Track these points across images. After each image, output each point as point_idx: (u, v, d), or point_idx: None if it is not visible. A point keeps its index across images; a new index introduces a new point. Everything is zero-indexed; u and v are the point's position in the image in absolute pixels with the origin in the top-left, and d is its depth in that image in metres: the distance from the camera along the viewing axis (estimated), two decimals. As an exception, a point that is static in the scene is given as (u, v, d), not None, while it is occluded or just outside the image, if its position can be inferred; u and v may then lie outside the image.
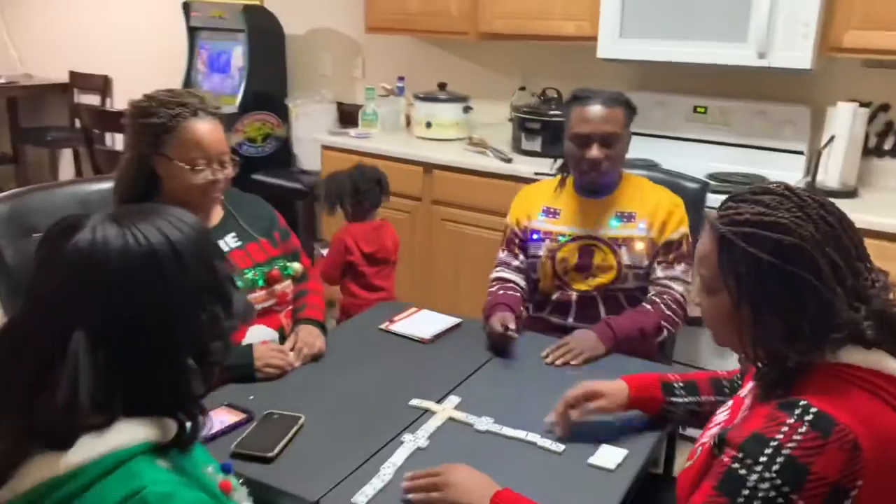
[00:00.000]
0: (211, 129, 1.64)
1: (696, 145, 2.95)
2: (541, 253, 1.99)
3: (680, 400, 1.46)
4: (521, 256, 2.05)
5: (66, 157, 5.42)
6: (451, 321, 1.92)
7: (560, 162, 2.07)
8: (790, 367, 1.02)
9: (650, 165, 2.67)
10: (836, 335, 1.00)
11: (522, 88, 3.35)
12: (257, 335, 1.73)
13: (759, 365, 1.07)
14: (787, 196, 1.04)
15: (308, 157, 3.87)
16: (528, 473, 1.30)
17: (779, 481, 0.94)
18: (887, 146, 2.74)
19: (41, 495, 0.78)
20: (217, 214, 1.78)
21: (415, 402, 1.53)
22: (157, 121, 1.61)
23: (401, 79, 3.71)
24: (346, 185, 2.39)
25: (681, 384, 1.47)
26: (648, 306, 1.90)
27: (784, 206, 1.02)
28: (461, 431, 1.44)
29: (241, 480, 1.05)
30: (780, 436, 0.95)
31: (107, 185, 1.89)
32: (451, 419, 1.47)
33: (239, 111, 3.87)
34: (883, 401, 0.98)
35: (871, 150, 2.75)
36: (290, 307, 1.87)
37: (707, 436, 1.17)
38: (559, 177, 2.05)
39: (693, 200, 2.23)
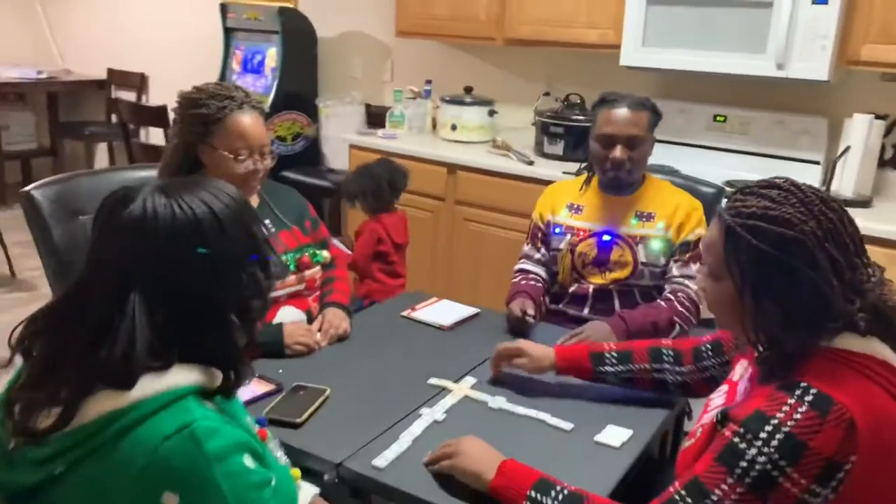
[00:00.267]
0: (254, 122, 1.75)
1: (716, 153, 3.02)
2: (562, 246, 2.08)
3: (611, 368, 1.56)
4: (543, 250, 2.14)
5: (102, 151, 5.59)
6: (470, 310, 2.02)
7: (585, 164, 2.16)
8: (789, 352, 1.08)
9: (670, 171, 2.74)
10: (832, 325, 1.06)
11: (546, 94, 3.44)
12: (287, 316, 1.83)
13: (760, 349, 1.14)
14: (792, 192, 1.10)
15: (336, 156, 3.99)
16: (537, 448, 1.38)
17: (776, 455, 1.00)
18: (903, 158, 2.80)
19: (104, 424, 0.88)
20: (253, 202, 1.89)
21: (433, 380, 1.62)
22: (205, 111, 1.71)
23: (428, 82, 3.82)
24: (384, 177, 2.53)
25: (614, 353, 1.57)
26: (662, 303, 1.97)
27: (789, 201, 1.08)
28: (476, 408, 1.53)
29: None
30: (781, 414, 1.02)
31: (147, 172, 1.99)
32: (466, 397, 1.56)
33: (270, 110, 3.98)
34: (876, 383, 1.04)
35: (887, 162, 2.81)
36: (318, 292, 1.97)
37: (707, 417, 1.24)
38: (585, 175, 2.14)
39: (709, 205, 2.28)
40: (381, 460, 1.32)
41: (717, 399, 1.28)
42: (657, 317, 1.93)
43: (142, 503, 0.87)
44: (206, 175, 1.77)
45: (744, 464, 1.02)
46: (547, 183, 2.81)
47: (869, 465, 1.00)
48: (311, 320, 1.87)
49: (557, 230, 2.10)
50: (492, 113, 3.55)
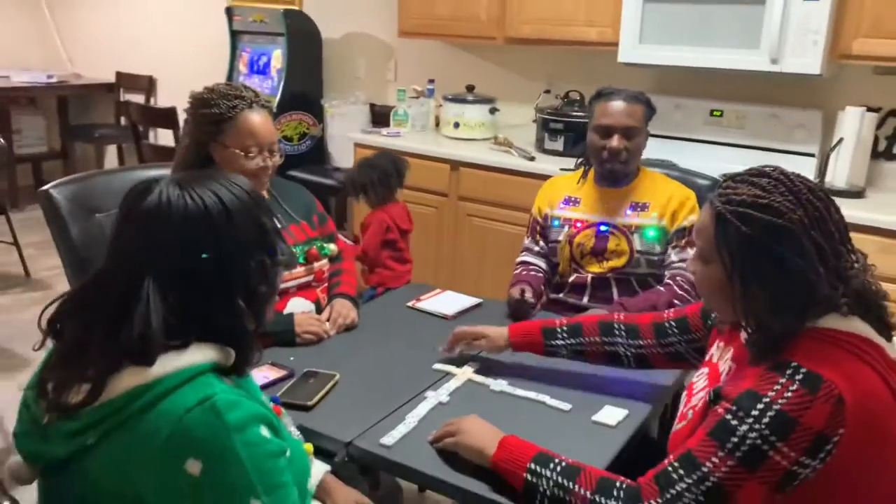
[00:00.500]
0: (263, 121, 1.82)
1: (713, 147, 3.08)
2: (560, 238, 2.16)
3: (562, 342, 1.63)
4: (542, 243, 2.22)
5: (111, 153, 5.69)
6: (472, 301, 2.09)
7: (582, 159, 2.24)
8: (777, 334, 1.13)
9: (669, 165, 2.81)
10: (817, 309, 1.12)
11: (547, 91, 3.50)
12: (297, 306, 1.91)
13: (749, 331, 1.19)
14: (781, 181, 1.14)
15: (341, 155, 4.06)
16: (537, 428, 1.44)
17: (767, 431, 1.06)
18: (896, 150, 2.85)
19: (131, 399, 0.95)
20: (263, 198, 1.96)
21: (437, 366, 1.69)
22: (216, 111, 1.78)
23: (431, 81, 3.89)
24: (388, 165, 2.64)
25: (564, 327, 1.64)
26: (662, 288, 2.05)
27: (778, 189, 1.12)
28: (478, 391, 1.60)
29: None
30: (773, 393, 1.07)
31: (161, 171, 2.06)
32: (469, 381, 1.63)
33: (277, 111, 4.04)
34: (861, 359, 1.10)
35: (881, 153, 2.86)
36: (326, 284, 2.04)
37: (695, 399, 1.29)
38: (582, 169, 2.22)
39: (705, 198, 2.36)
40: (389, 439, 1.39)
41: (699, 382, 1.33)
42: (656, 301, 1.99)
43: (167, 470, 0.94)
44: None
45: (735, 439, 1.08)
46: (548, 178, 2.87)
47: (855, 437, 1.06)
48: (319, 311, 1.94)
49: (556, 223, 2.19)
50: (493, 111, 3.62)
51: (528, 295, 1.95)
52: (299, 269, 1.94)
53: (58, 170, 5.63)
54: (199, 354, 1.01)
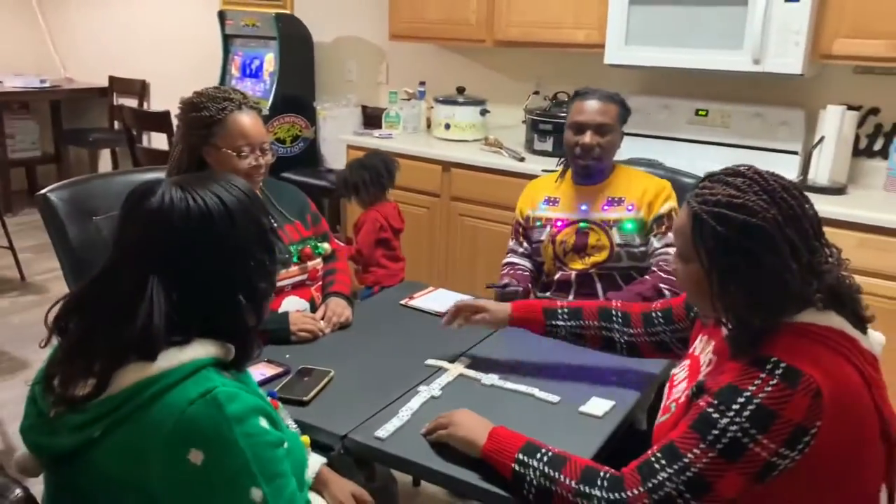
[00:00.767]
0: (253, 121, 1.87)
1: (698, 146, 3.14)
2: (543, 238, 2.22)
3: (562, 323, 1.68)
4: (526, 244, 2.29)
5: (105, 156, 5.71)
6: (464, 298, 2.12)
7: (563, 159, 2.30)
8: (756, 330, 1.17)
9: (656, 165, 2.86)
10: (791, 305, 1.16)
11: (536, 92, 3.55)
12: (292, 305, 1.95)
13: (729, 326, 1.23)
14: (756, 180, 1.17)
15: (334, 157, 4.10)
16: (526, 419, 1.49)
17: (747, 425, 1.10)
18: (877, 147, 2.91)
19: (135, 392, 1.00)
20: (256, 199, 2.01)
21: (430, 361, 1.74)
22: (206, 114, 1.82)
23: (422, 83, 3.94)
24: (379, 164, 2.70)
25: (565, 309, 1.69)
26: (647, 277, 2.11)
27: (752, 189, 1.16)
28: (470, 385, 1.65)
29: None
30: (753, 388, 1.11)
31: (157, 174, 2.10)
32: (461, 375, 1.68)
33: (270, 114, 4.10)
34: (838, 353, 1.14)
35: (862, 151, 2.92)
36: (320, 283, 2.09)
37: (677, 392, 1.33)
38: (560, 169, 2.28)
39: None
40: (383, 432, 1.43)
41: (681, 373, 1.38)
42: (641, 289, 2.06)
43: (171, 459, 0.98)
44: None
45: (716, 431, 1.12)
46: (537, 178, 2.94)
47: (831, 428, 1.10)
48: (314, 309, 1.99)
49: (538, 224, 2.25)
50: (484, 112, 3.67)
51: (513, 282, 2.07)
52: (294, 269, 1.99)
53: (52, 174, 5.65)
54: (201, 350, 1.05)
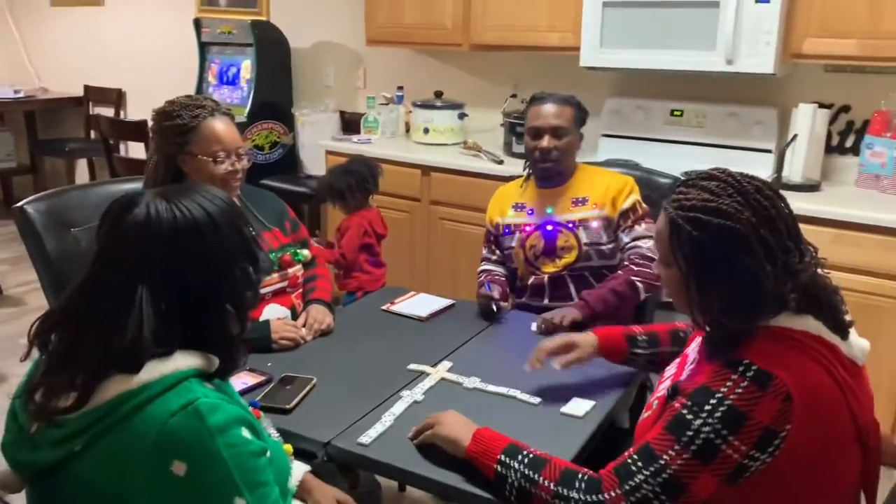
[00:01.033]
0: (227, 126, 1.87)
1: (674, 146, 3.17)
2: (513, 244, 2.25)
3: (642, 351, 1.66)
4: (498, 251, 2.32)
5: (82, 166, 5.66)
6: (445, 302, 2.15)
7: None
8: (732, 332, 1.19)
9: (632, 166, 2.89)
10: (767, 306, 1.17)
11: (513, 95, 3.57)
12: (272, 313, 1.95)
13: (707, 329, 1.26)
14: (730, 182, 1.19)
15: (313, 162, 4.09)
16: (509, 421, 1.49)
17: (719, 426, 1.12)
18: (848, 144, 2.96)
19: (117, 404, 1.00)
20: (234, 206, 2.01)
21: (412, 366, 1.75)
22: (180, 122, 1.83)
23: (400, 88, 3.94)
24: (364, 170, 2.71)
25: (644, 337, 1.67)
26: (620, 272, 2.14)
27: (727, 192, 1.17)
28: (452, 389, 1.66)
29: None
30: (725, 389, 1.13)
31: (134, 185, 2.09)
32: (443, 379, 1.69)
33: (247, 120, 4.09)
34: (811, 358, 1.15)
35: (834, 148, 2.97)
36: (301, 290, 2.09)
37: (661, 388, 1.36)
38: (525, 174, 2.32)
39: (666, 195, 2.42)
40: (366, 438, 1.44)
41: (670, 369, 1.40)
42: (614, 285, 2.08)
43: (154, 471, 0.98)
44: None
45: (690, 433, 1.14)
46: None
47: (801, 433, 1.12)
48: (295, 317, 1.99)
49: (507, 230, 2.28)
50: (462, 116, 3.69)
51: (496, 294, 2.05)
52: (274, 276, 1.99)
53: (28, 185, 5.59)
54: (183, 361, 1.05)
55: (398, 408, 1.56)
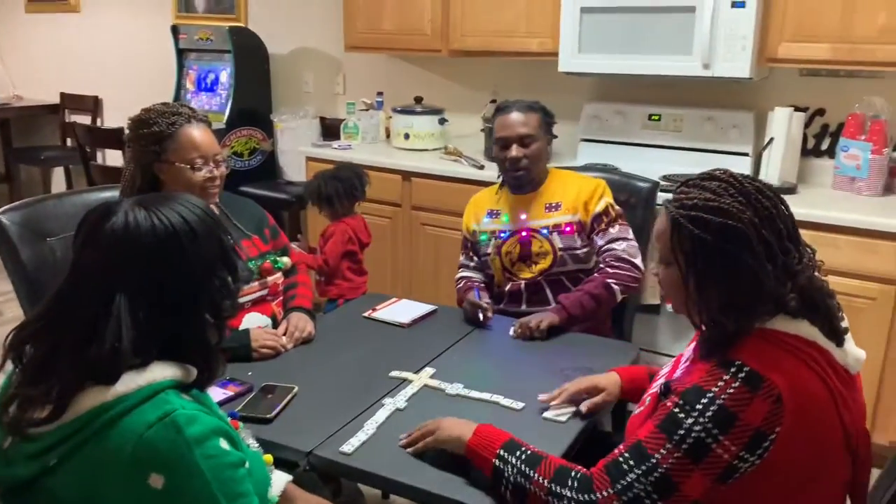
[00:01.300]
0: (204, 133, 1.86)
1: (652, 150, 3.19)
2: (489, 251, 2.26)
3: None
4: (475, 258, 2.32)
5: (58, 175, 5.59)
6: (427, 308, 2.14)
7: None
8: (728, 332, 1.19)
9: (611, 170, 2.90)
10: (766, 307, 1.18)
11: (493, 101, 3.55)
12: (252, 321, 1.93)
13: (704, 329, 1.26)
14: (731, 183, 1.20)
15: (293, 169, 4.07)
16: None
17: (710, 425, 1.13)
18: (824, 147, 3.00)
19: (93, 417, 0.98)
20: (213, 214, 1.99)
21: (394, 373, 1.74)
22: (157, 129, 1.81)
23: (379, 94, 3.94)
24: (352, 177, 2.70)
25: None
26: (596, 274, 2.15)
27: (728, 192, 1.18)
28: (435, 395, 1.65)
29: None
30: (716, 389, 1.14)
31: (111, 193, 2.07)
32: (426, 386, 1.69)
33: (226, 127, 4.07)
34: (804, 362, 1.16)
35: (810, 151, 3.01)
36: (281, 298, 2.07)
37: (655, 386, 1.36)
38: (499, 181, 2.32)
39: (645, 199, 2.46)
40: (348, 447, 1.43)
41: (665, 367, 1.42)
42: (590, 288, 2.09)
43: (132, 484, 0.97)
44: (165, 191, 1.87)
45: (681, 432, 1.15)
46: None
47: (791, 435, 1.13)
48: (275, 325, 1.98)
49: (483, 237, 2.28)
50: (442, 121, 3.69)
51: (485, 301, 2.06)
52: (253, 284, 1.97)
53: (3, 194, 5.51)
54: (160, 372, 1.04)
55: (381, 415, 1.55)
